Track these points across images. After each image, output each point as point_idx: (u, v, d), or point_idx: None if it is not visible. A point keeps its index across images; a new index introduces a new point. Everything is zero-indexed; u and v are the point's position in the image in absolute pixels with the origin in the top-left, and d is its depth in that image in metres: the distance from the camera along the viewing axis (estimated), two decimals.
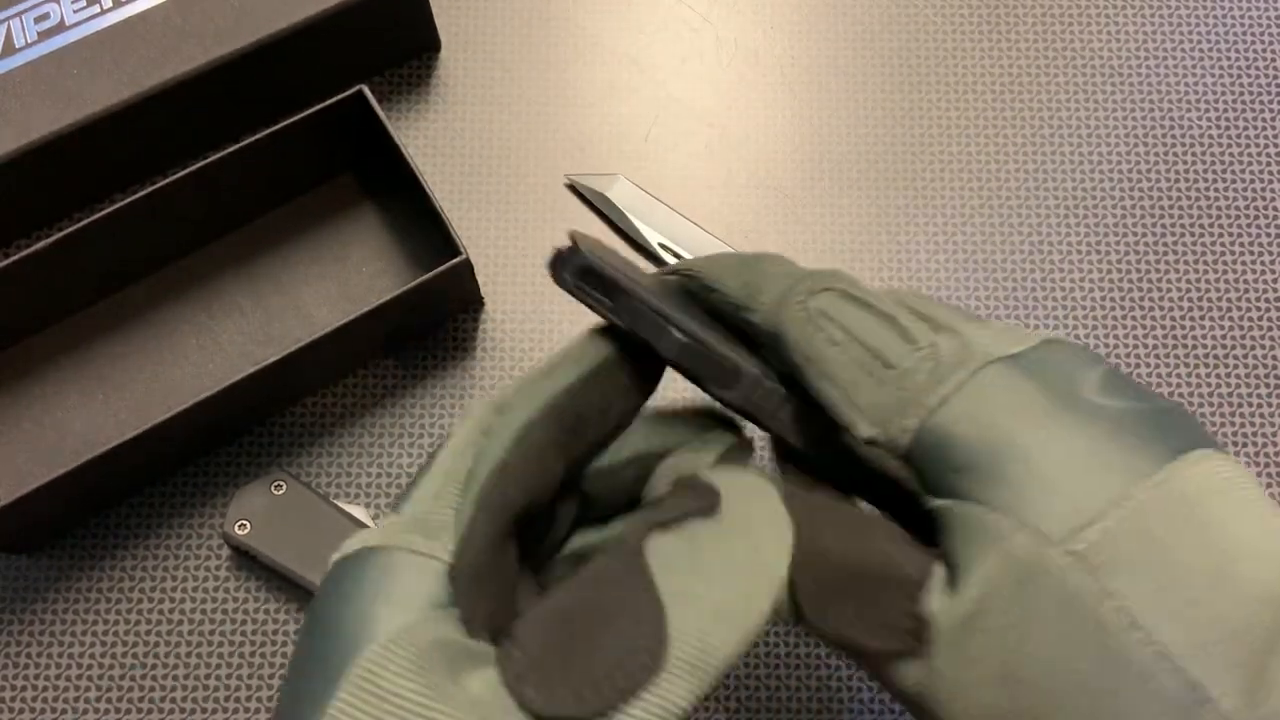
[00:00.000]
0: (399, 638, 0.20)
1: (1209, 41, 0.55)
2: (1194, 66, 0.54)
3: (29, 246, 0.44)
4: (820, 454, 0.27)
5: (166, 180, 0.45)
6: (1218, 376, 0.49)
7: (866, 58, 0.55)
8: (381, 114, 0.45)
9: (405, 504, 0.23)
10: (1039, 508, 0.21)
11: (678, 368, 0.26)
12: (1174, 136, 0.53)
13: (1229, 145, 0.53)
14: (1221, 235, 0.51)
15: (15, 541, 0.45)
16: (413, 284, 0.44)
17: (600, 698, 0.19)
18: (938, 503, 0.23)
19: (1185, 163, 0.53)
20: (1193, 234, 0.51)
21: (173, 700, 0.44)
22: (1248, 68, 0.54)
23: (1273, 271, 0.51)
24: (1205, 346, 0.49)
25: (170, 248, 0.49)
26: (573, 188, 0.52)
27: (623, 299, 0.25)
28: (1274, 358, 0.49)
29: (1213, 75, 0.54)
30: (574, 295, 0.26)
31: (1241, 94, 0.54)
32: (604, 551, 0.22)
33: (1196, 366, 0.49)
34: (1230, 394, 0.49)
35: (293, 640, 0.45)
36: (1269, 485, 0.47)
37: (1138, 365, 0.49)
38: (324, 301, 0.49)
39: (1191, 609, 0.20)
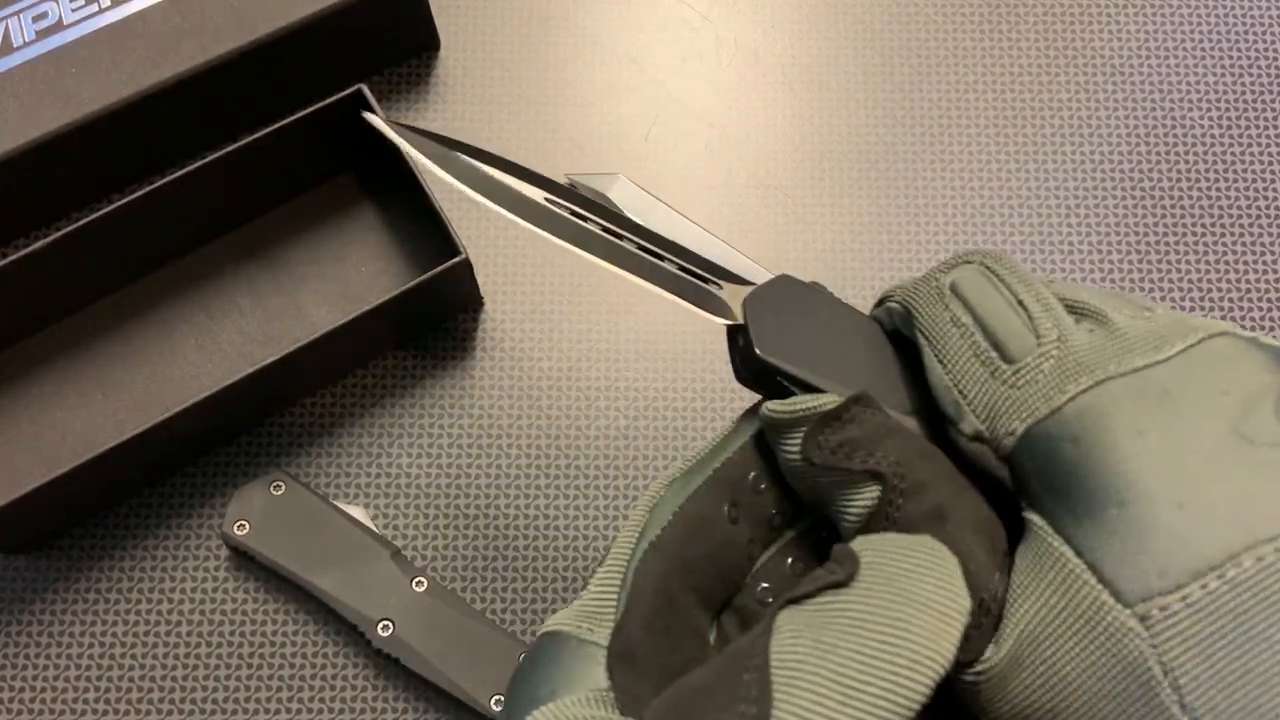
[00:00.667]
0: (549, 710, 0.21)
1: (1210, 39, 0.55)
2: (1195, 65, 0.54)
3: (27, 246, 0.44)
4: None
5: (165, 180, 0.44)
6: None
7: (867, 57, 0.54)
8: (380, 113, 0.45)
9: (584, 591, 0.24)
10: (1124, 567, 0.18)
11: None
12: (1176, 135, 0.53)
13: (1231, 144, 0.53)
14: (1224, 235, 0.51)
15: (14, 542, 0.45)
16: (412, 284, 0.43)
17: None
18: (1028, 515, 0.21)
19: (1187, 161, 0.53)
20: (1195, 233, 0.51)
21: (171, 701, 0.44)
22: (1249, 66, 0.54)
23: (1275, 271, 0.51)
24: None
25: (169, 248, 0.49)
26: (573, 187, 0.52)
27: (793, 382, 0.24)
28: None
29: (1214, 74, 0.54)
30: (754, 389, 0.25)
31: (1244, 92, 0.54)
32: (751, 630, 0.21)
33: None
34: None
35: (291, 640, 0.45)
36: None
37: None
38: (323, 301, 0.49)
39: (1245, 715, 0.17)
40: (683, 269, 0.27)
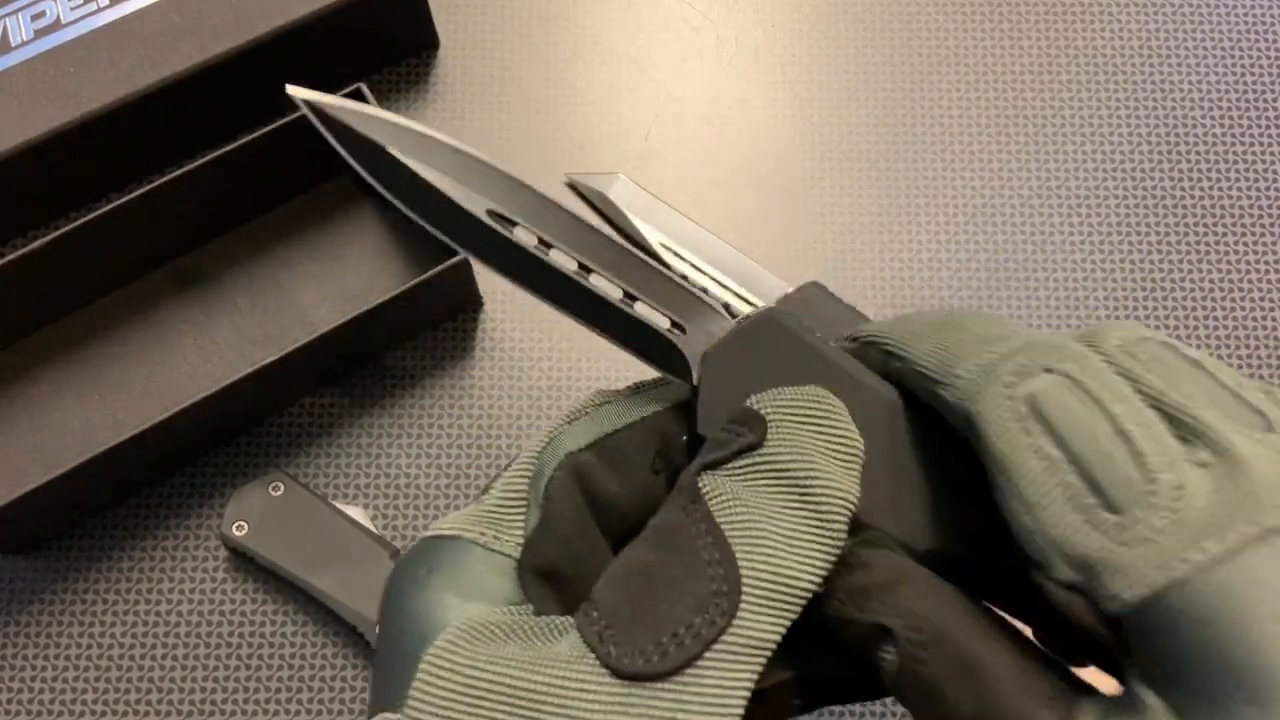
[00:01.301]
0: (470, 623, 0.20)
1: (1212, 38, 0.54)
2: (1197, 64, 0.54)
3: (25, 246, 0.44)
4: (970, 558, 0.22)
5: (164, 179, 0.44)
6: None
7: (867, 56, 0.54)
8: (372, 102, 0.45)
9: (486, 493, 0.23)
10: None
11: None
12: (1178, 134, 0.53)
13: (1233, 143, 0.53)
14: (1226, 234, 0.51)
15: (12, 542, 0.45)
16: (411, 283, 0.43)
17: (682, 649, 0.18)
18: (1137, 688, 0.18)
19: (1189, 161, 0.52)
20: (1197, 233, 0.51)
21: (170, 703, 0.44)
22: (1251, 65, 0.54)
23: (1278, 271, 0.50)
24: (1210, 346, 0.49)
25: (168, 247, 0.49)
26: (573, 187, 0.52)
27: None
28: None
29: (1216, 73, 0.54)
30: None
31: (1245, 91, 0.53)
32: (666, 505, 0.21)
33: None
34: None
35: (290, 641, 0.45)
36: None
37: None
38: (322, 301, 0.49)
39: None
40: (646, 301, 0.24)
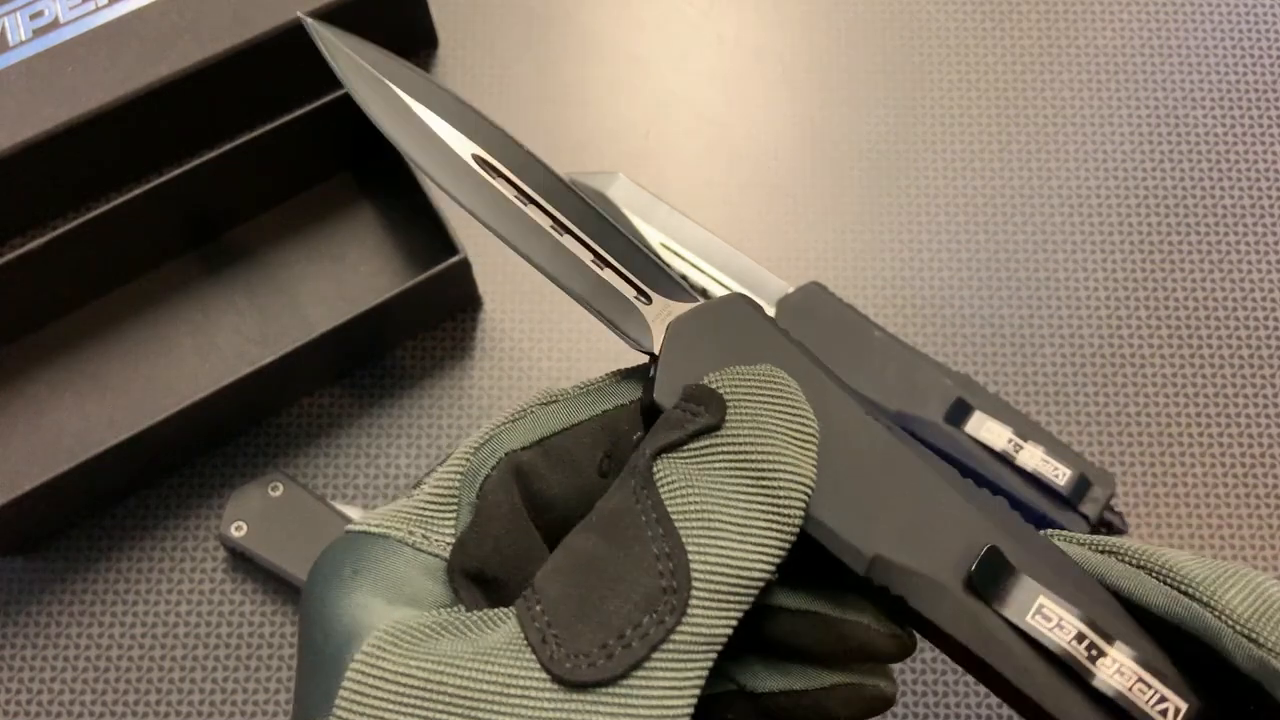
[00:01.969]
0: (400, 624, 0.19)
1: (1214, 37, 0.54)
2: (1199, 63, 0.54)
3: (24, 245, 0.44)
4: None
5: (162, 178, 0.44)
6: (1224, 376, 0.49)
7: (868, 55, 0.54)
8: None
9: (417, 489, 0.22)
10: None
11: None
12: (1180, 134, 0.53)
13: (1235, 142, 0.52)
14: (1227, 233, 0.51)
15: (10, 543, 0.45)
16: (410, 283, 0.43)
17: (629, 651, 0.18)
18: None
19: (1191, 160, 0.52)
20: (1199, 232, 0.51)
21: (169, 704, 0.44)
22: (1254, 65, 0.54)
23: (1279, 270, 0.50)
24: (1211, 346, 0.49)
25: (166, 247, 0.48)
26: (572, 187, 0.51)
27: None
28: None
29: (1218, 71, 0.54)
30: None
31: (1247, 90, 0.53)
32: (616, 487, 0.20)
33: (1202, 366, 0.49)
34: (1237, 394, 0.48)
35: (289, 642, 0.45)
36: (1276, 486, 0.47)
37: (1143, 365, 0.49)
38: (321, 301, 0.48)
39: None
40: (616, 267, 0.23)
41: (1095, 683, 0.20)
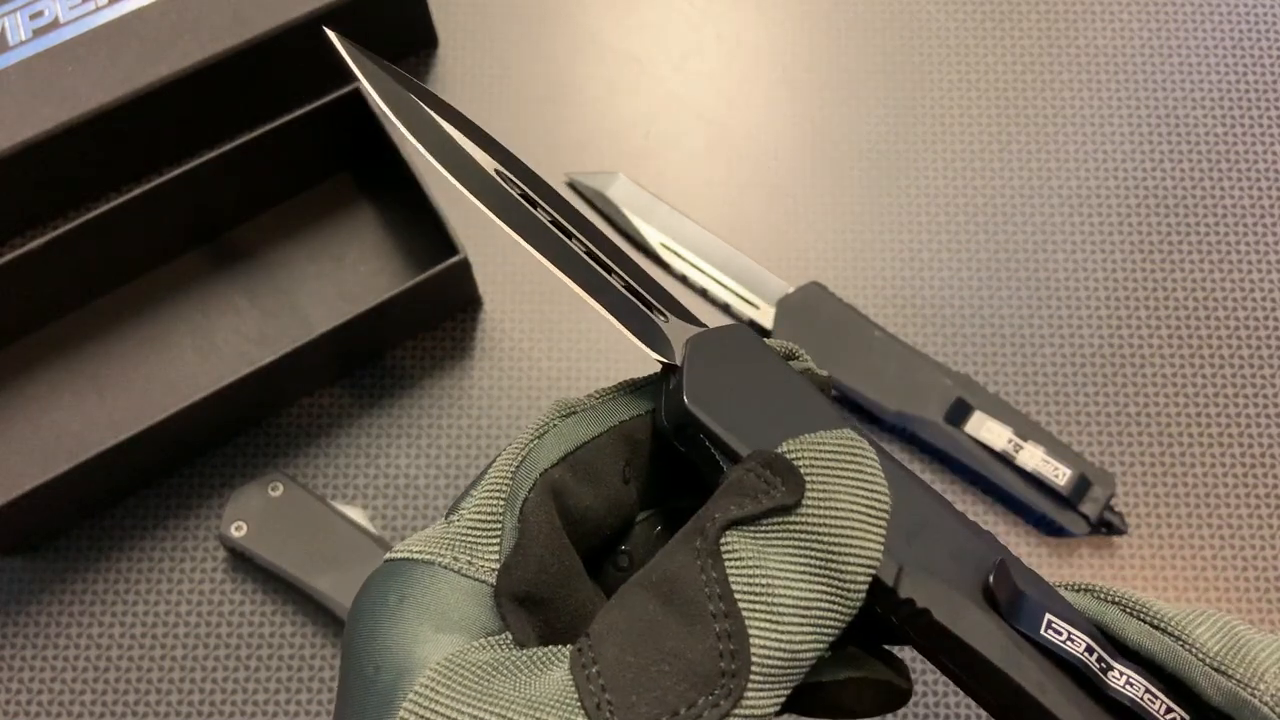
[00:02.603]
0: (453, 660, 0.19)
1: (1214, 37, 0.54)
2: (1199, 63, 0.54)
3: (23, 245, 0.44)
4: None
5: (162, 178, 0.44)
6: (1224, 377, 0.49)
7: (868, 54, 0.54)
8: (379, 112, 0.45)
9: (456, 513, 0.22)
10: None
11: None
12: (1180, 133, 0.53)
13: (1235, 142, 0.52)
14: (1228, 233, 0.51)
15: (10, 543, 0.45)
16: (410, 283, 0.43)
17: None
18: None
19: (1191, 160, 0.52)
20: (1199, 232, 0.51)
21: (169, 704, 0.44)
22: (1254, 65, 0.54)
23: (1279, 269, 0.50)
24: (1211, 346, 0.49)
25: (165, 247, 0.48)
26: (573, 186, 0.51)
27: None
28: None
29: (1218, 71, 0.54)
30: None
31: (1247, 90, 0.53)
32: (680, 548, 0.20)
33: (1202, 366, 0.49)
34: (1237, 394, 0.48)
35: (290, 642, 0.45)
36: (1276, 486, 0.47)
37: (1144, 365, 0.49)
38: (321, 301, 0.48)
39: None
40: (634, 288, 0.24)
41: (1110, 692, 0.20)
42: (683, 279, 0.50)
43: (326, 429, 0.48)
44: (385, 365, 0.49)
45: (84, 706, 0.44)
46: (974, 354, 0.49)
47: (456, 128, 0.24)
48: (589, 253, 0.24)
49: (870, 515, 0.20)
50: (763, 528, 0.19)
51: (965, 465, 0.46)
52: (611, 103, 0.53)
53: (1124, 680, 0.20)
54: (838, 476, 0.20)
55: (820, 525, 0.19)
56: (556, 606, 0.21)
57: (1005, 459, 0.45)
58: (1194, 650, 0.21)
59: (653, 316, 0.24)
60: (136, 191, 0.44)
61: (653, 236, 0.50)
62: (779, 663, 0.18)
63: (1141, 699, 0.20)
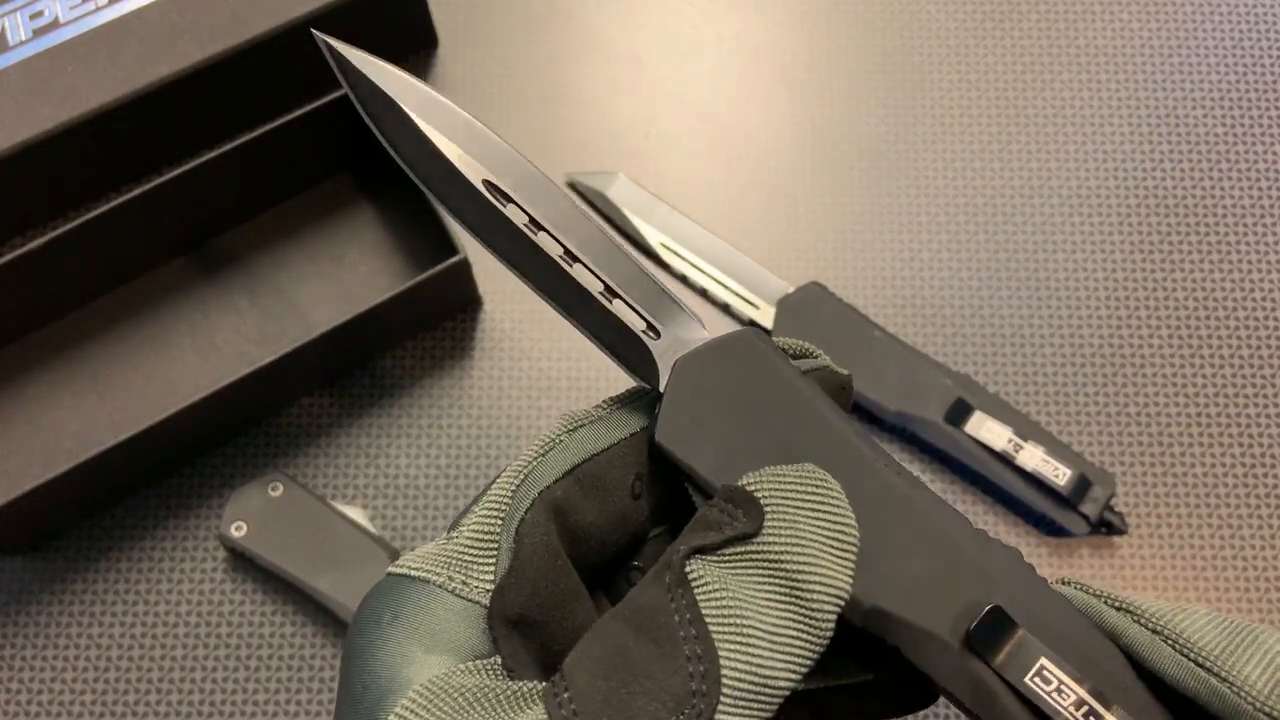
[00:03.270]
0: (435, 685, 0.19)
1: (1215, 37, 0.54)
2: (1199, 63, 0.54)
3: (23, 245, 0.44)
4: None
5: (162, 178, 0.44)
6: (1224, 377, 0.49)
7: (868, 54, 0.54)
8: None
9: (456, 529, 0.22)
10: None
11: None
12: (1179, 133, 0.53)
13: (1235, 142, 0.52)
14: (1228, 234, 0.51)
15: (10, 543, 0.45)
16: (410, 283, 0.43)
17: None
18: None
19: (1191, 160, 0.52)
20: (1199, 232, 0.51)
21: (169, 704, 0.44)
22: (1254, 65, 0.54)
23: (1279, 270, 0.50)
24: (1211, 346, 0.49)
25: (165, 247, 0.48)
26: (573, 186, 0.51)
27: None
28: None
29: (1218, 71, 0.54)
30: None
31: (1247, 90, 0.53)
32: (651, 581, 0.20)
33: (1202, 366, 0.49)
34: (1237, 394, 0.48)
35: (290, 642, 0.45)
36: (1276, 486, 0.47)
37: (1144, 365, 0.49)
38: (321, 301, 0.48)
39: None
40: (625, 299, 0.23)
41: None
42: (683, 279, 0.50)
43: (326, 429, 0.48)
44: (385, 365, 0.49)
45: (84, 706, 0.44)
46: (974, 354, 0.49)
47: (447, 133, 0.23)
48: (589, 268, 0.23)
49: (834, 545, 0.20)
50: (726, 556, 0.20)
51: (965, 465, 0.46)
52: (612, 103, 0.53)
53: None
54: (797, 506, 0.20)
55: (782, 553, 0.19)
56: (552, 629, 0.21)
57: (1005, 459, 0.45)
58: (1241, 692, 0.19)
59: (643, 337, 0.23)
60: (136, 191, 0.44)
61: (653, 236, 0.50)
62: (750, 687, 0.18)
63: None
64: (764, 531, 0.20)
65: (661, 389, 0.22)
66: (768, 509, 0.20)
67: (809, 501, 0.20)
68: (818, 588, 0.19)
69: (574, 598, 0.21)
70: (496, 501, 0.22)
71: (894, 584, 0.20)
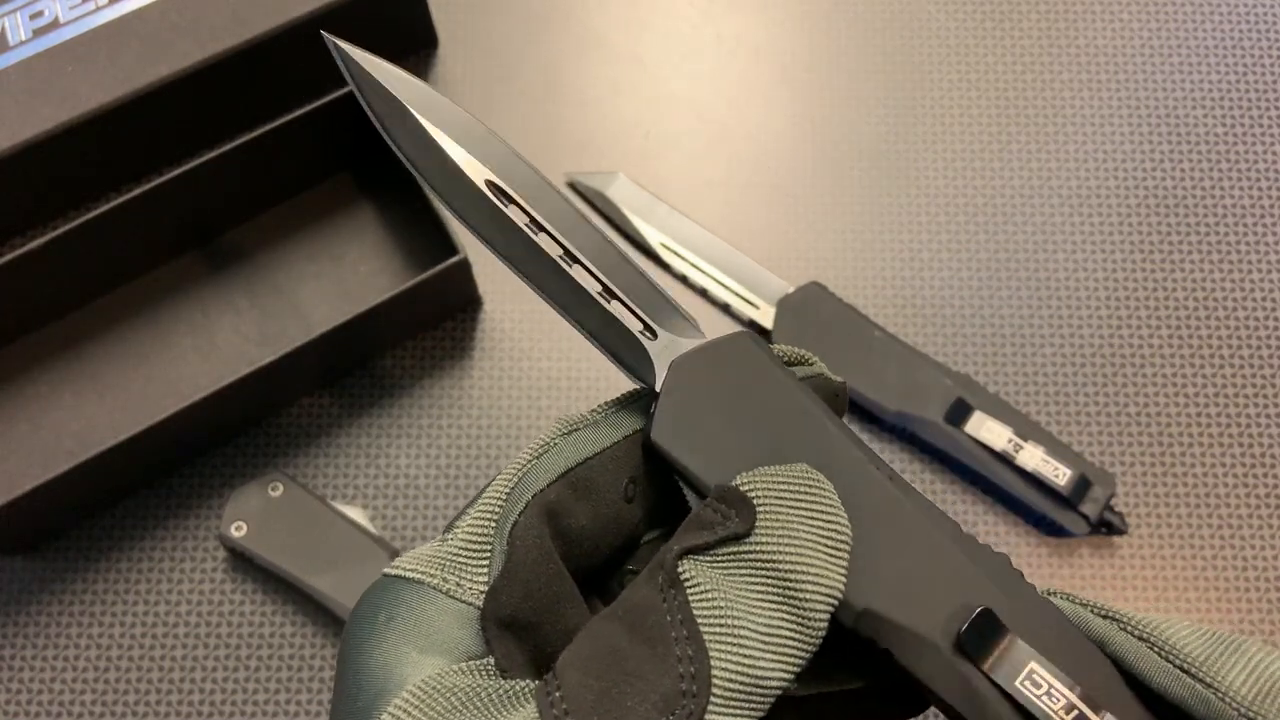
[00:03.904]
0: (428, 685, 0.19)
1: (1214, 37, 0.54)
2: (1199, 63, 0.54)
3: (24, 245, 0.44)
4: None
5: (162, 178, 0.44)
6: (1224, 377, 0.49)
7: (868, 54, 0.54)
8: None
9: (450, 532, 0.22)
10: None
11: None
12: (1180, 134, 0.53)
13: (1235, 142, 0.52)
14: (1228, 234, 0.51)
15: (10, 543, 0.45)
16: (410, 283, 0.43)
17: None
18: None
19: (1191, 160, 0.52)
20: (1199, 232, 0.51)
21: (169, 704, 0.44)
22: (1254, 65, 0.54)
23: (1279, 270, 0.50)
24: (1211, 346, 0.49)
25: (165, 247, 0.48)
26: (573, 186, 0.51)
27: None
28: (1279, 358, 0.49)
29: (1218, 71, 0.54)
30: None
31: (1248, 91, 0.53)
32: (644, 581, 0.20)
33: (1202, 366, 0.49)
34: (1237, 394, 0.48)
35: (290, 642, 0.45)
36: (1276, 486, 0.47)
37: (1143, 365, 0.49)
38: (321, 301, 0.48)
39: None
40: (624, 300, 0.23)
41: None
42: (683, 279, 0.50)
43: (326, 429, 0.48)
44: (385, 365, 0.49)
45: (84, 706, 0.44)
46: (974, 354, 0.49)
47: (452, 133, 0.24)
48: (588, 269, 0.23)
49: (827, 545, 0.20)
50: (719, 557, 0.20)
51: (965, 465, 0.46)
52: (612, 103, 0.53)
53: None
54: (790, 507, 0.20)
55: (775, 553, 0.19)
56: (545, 631, 0.21)
57: (1005, 459, 0.45)
58: (1225, 697, 0.20)
59: (640, 337, 0.23)
60: (136, 191, 0.44)
61: (653, 236, 0.50)
62: (742, 686, 0.18)
63: None
64: (757, 531, 0.20)
65: (657, 389, 0.22)
66: (760, 509, 0.20)
67: (802, 501, 0.20)
68: (810, 587, 0.19)
69: (567, 600, 0.21)
70: (490, 505, 0.22)
71: (885, 586, 0.20)
